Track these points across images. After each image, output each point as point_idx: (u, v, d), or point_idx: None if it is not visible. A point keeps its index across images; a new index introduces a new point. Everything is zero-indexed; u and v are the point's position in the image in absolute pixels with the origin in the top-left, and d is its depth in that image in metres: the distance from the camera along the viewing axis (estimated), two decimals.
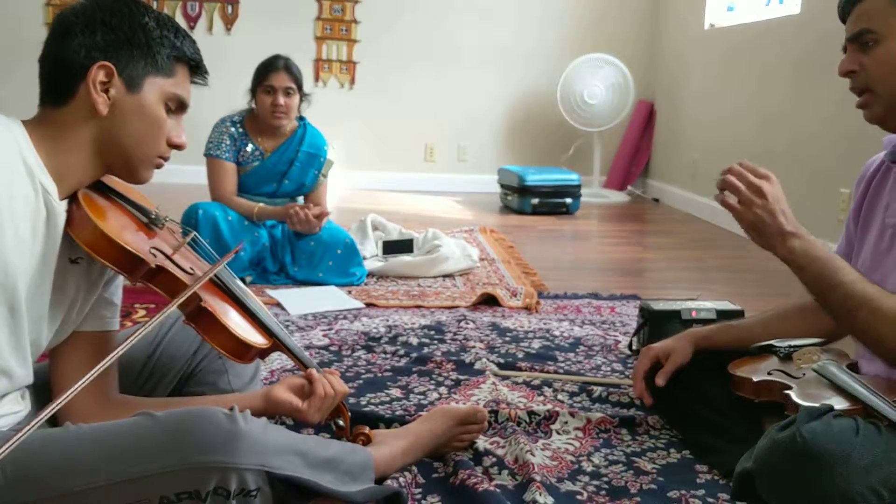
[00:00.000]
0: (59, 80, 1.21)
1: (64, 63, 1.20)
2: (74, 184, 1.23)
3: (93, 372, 1.09)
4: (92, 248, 1.21)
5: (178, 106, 1.29)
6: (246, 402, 1.38)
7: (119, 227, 1.24)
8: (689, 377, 1.76)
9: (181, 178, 4.68)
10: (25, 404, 1.28)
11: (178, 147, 1.29)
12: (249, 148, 3.17)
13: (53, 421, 1.31)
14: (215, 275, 1.39)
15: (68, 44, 1.20)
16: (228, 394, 1.51)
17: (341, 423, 1.53)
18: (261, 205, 3.14)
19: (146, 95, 1.23)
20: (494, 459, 1.66)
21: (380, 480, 1.45)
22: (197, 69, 1.31)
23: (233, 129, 3.16)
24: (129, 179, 1.30)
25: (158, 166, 1.29)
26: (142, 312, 2.63)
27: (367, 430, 1.55)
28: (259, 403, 1.41)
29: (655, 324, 2.30)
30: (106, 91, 1.20)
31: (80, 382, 1.07)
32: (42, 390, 1.32)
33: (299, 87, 3.15)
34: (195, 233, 1.43)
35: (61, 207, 1.21)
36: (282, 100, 3.09)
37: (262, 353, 1.42)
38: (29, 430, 0.97)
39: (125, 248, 1.22)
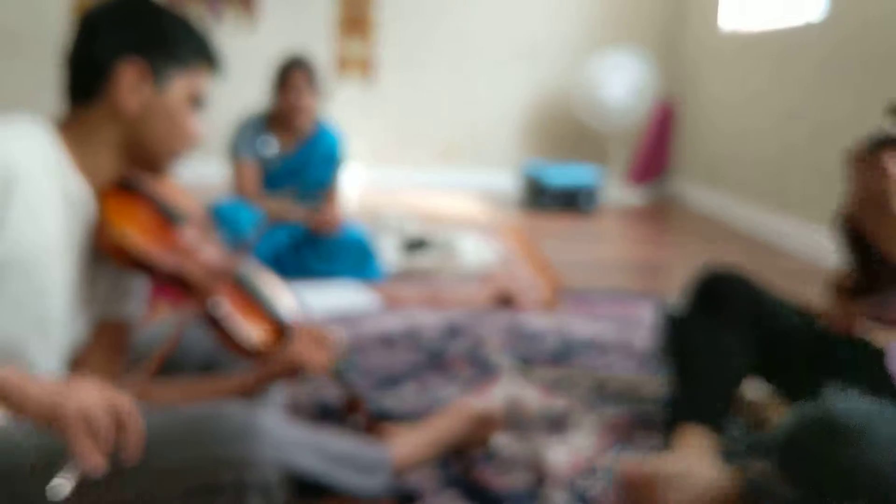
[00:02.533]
0: (87, 79, 1.22)
1: (92, 62, 1.22)
2: (103, 181, 1.26)
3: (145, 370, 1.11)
4: (110, 251, 1.24)
5: (197, 103, 1.31)
6: (247, 380, 1.38)
7: (138, 230, 1.26)
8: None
9: (203, 175, 4.72)
10: None
11: (197, 143, 1.32)
12: (271, 148, 3.20)
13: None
14: (235, 273, 1.41)
15: (96, 43, 1.22)
16: (228, 376, 1.50)
17: (359, 419, 1.55)
18: (287, 206, 3.16)
19: (172, 93, 1.25)
20: (510, 457, 1.67)
21: (396, 477, 1.47)
22: (216, 66, 1.34)
23: (254, 129, 3.19)
24: (151, 173, 1.32)
25: (178, 161, 1.32)
26: (162, 309, 2.65)
27: (384, 426, 1.56)
28: (253, 377, 1.40)
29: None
30: (135, 89, 1.22)
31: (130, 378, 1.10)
32: None
33: (319, 86, 3.18)
34: (221, 228, 1.45)
35: (93, 207, 1.24)
36: (302, 99, 3.11)
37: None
38: None
39: (140, 254, 1.24)
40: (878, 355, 1.53)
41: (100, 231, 1.24)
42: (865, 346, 1.57)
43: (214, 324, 1.34)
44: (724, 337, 1.60)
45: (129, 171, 1.31)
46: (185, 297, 1.32)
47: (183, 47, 1.26)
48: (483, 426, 1.69)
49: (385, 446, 1.46)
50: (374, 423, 1.59)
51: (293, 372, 1.42)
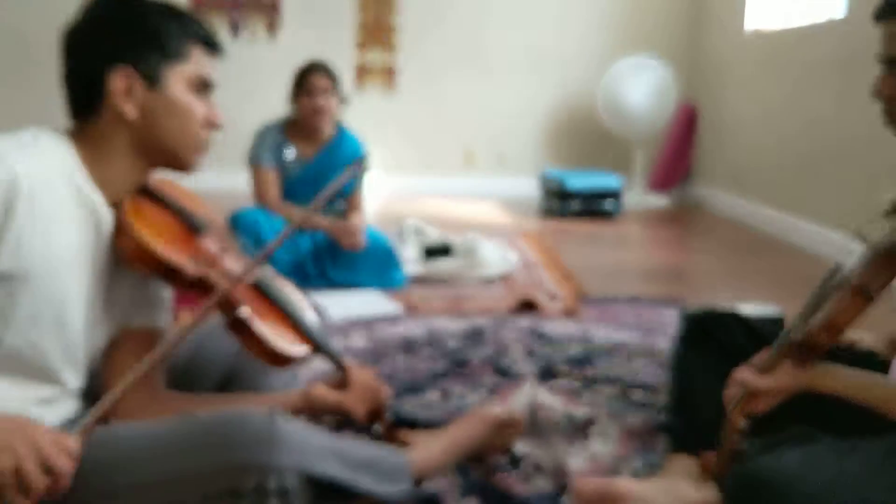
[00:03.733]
0: (83, 94, 1.22)
1: (82, 77, 1.21)
2: (121, 190, 1.26)
3: (136, 372, 1.12)
4: (133, 258, 1.24)
5: (203, 86, 1.28)
6: (288, 403, 1.40)
7: (160, 238, 1.27)
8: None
9: (225, 185, 4.77)
10: (73, 407, 1.31)
11: (215, 127, 1.29)
12: (290, 155, 3.22)
13: (104, 418, 1.35)
14: (257, 280, 1.42)
15: (81, 57, 1.21)
16: (270, 393, 1.53)
17: (379, 426, 1.55)
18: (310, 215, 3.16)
19: (169, 88, 1.23)
20: (532, 463, 1.66)
21: (417, 483, 1.47)
22: (210, 44, 1.29)
23: (274, 136, 3.22)
24: (177, 170, 1.30)
25: (203, 150, 1.30)
26: (186, 316, 2.67)
27: (404, 433, 1.56)
28: (300, 403, 1.44)
29: None
30: (130, 95, 1.21)
31: (125, 380, 1.11)
32: (87, 388, 1.36)
33: (338, 89, 3.19)
34: (242, 237, 1.46)
35: (109, 217, 1.24)
36: (323, 101, 3.13)
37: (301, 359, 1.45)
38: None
39: (164, 259, 1.25)
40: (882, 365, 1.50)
41: (123, 238, 1.24)
42: (873, 357, 1.55)
43: (239, 330, 1.35)
44: (715, 377, 1.50)
45: (148, 177, 1.30)
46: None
47: (167, 39, 1.22)
48: (504, 432, 1.68)
49: (404, 453, 1.46)
50: (394, 430, 1.58)
51: (339, 415, 1.47)
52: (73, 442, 1.04)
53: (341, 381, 1.50)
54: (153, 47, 1.21)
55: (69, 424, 1.29)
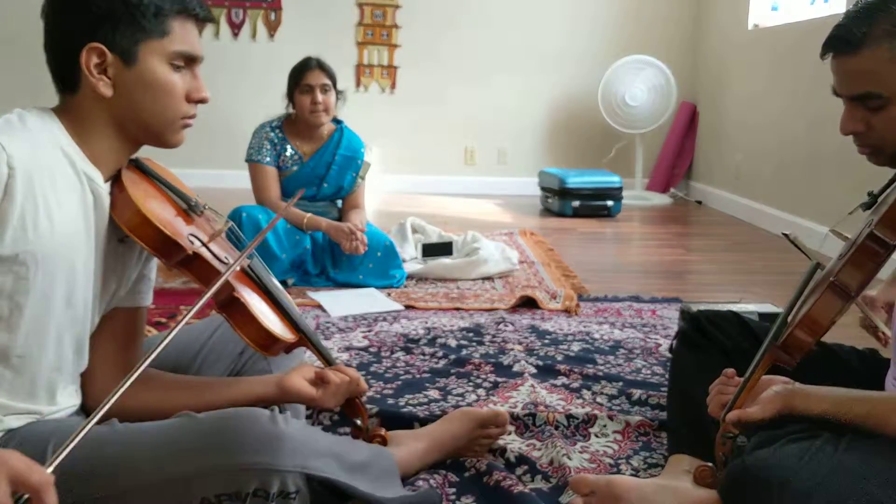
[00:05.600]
0: (61, 69, 1.20)
1: (58, 52, 1.19)
2: (113, 165, 1.24)
3: (138, 367, 1.11)
4: (133, 230, 1.22)
5: (186, 61, 1.23)
6: (260, 387, 1.38)
7: (160, 211, 1.25)
8: None
9: (225, 183, 4.78)
10: (79, 397, 1.30)
11: (202, 101, 1.26)
12: (289, 152, 3.21)
13: (83, 406, 1.32)
14: (248, 267, 1.40)
15: (56, 32, 1.19)
16: (243, 377, 1.49)
17: (358, 422, 1.52)
18: (310, 215, 3.16)
19: (145, 64, 1.19)
20: (530, 462, 1.66)
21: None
22: (192, 15, 1.23)
23: (272, 133, 3.21)
24: (159, 146, 1.27)
25: (186, 126, 1.26)
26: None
27: (383, 431, 1.53)
28: (273, 390, 1.39)
29: None
30: (104, 71, 1.17)
31: (125, 381, 1.10)
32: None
33: (334, 83, 3.19)
34: (232, 223, 1.44)
35: (105, 191, 1.22)
36: (320, 97, 3.12)
37: (288, 348, 1.42)
38: (80, 433, 0.97)
39: (165, 232, 1.22)
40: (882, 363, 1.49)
41: (122, 209, 1.22)
42: (875, 357, 1.55)
43: (232, 310, 1.33)
44: (714, 376, 1.49)
45: (132, 152, 1.28)
46: (201, 283, 1.30)
47: (143, 16, 1.18)
48: (487, 430, 1.66)
49: (391, 453, 1.44)
50: (375, 427, 1.56)
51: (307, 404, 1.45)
52: (47, 474, 0.92)
53: (317, 373, 1.43)
54: (128, 25, 1.17)
55: (74, 416, 1.28)
